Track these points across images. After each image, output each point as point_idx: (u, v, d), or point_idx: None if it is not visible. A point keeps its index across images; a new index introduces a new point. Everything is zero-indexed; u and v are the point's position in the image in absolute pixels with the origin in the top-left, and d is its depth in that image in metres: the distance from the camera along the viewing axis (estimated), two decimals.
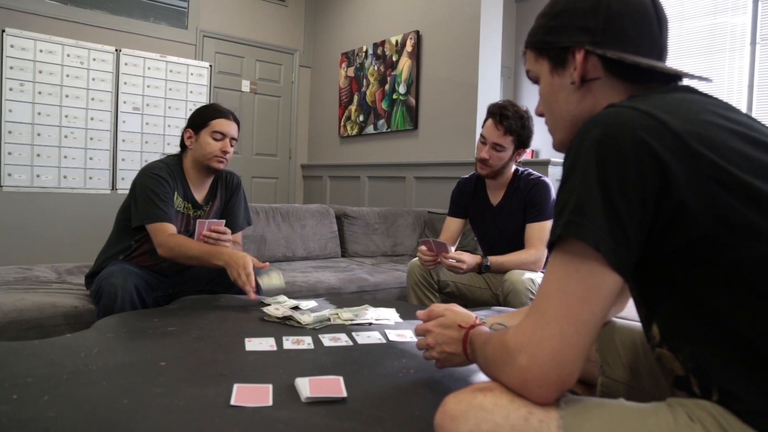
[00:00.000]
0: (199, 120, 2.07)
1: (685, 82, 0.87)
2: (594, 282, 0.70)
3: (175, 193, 2.03)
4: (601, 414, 0.73)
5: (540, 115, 0.96)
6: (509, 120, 2.14)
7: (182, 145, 2.12)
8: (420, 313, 1.13)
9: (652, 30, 0.85)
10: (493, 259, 2.16)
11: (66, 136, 3.72)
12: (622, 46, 0.83)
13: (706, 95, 0.82)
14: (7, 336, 1.81)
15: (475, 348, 0.94)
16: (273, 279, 1.79)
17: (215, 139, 2.04)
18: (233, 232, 2.19)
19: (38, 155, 3.62)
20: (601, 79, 0.85)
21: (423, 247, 2.17)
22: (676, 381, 0.79)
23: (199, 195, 2.14)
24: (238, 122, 2.13)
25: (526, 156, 5.42)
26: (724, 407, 0.70)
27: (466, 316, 1.04)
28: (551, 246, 0.75)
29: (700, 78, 0.86)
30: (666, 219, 0.70)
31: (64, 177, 3.73)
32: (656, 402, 0.75)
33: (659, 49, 0.86)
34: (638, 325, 1.13)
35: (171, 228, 1.93)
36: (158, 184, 1.96)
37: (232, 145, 2.09)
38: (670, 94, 0.80)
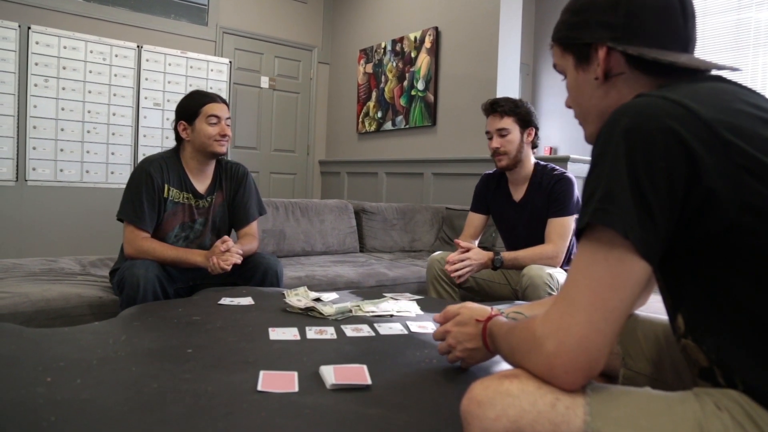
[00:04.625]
0: (191, 110, 2.08)
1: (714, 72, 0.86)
2: (622, 269, 0.70)
3: (167, 185, 2.05)
4: (628, 401, 0.73)
5: (569, 107, 0.97)
6: (501, 106, 2.24)
7: (178, 138, 2.13)
8: (436, 316, 1.15)
9: (676, 22, 0.84)
10: (507, 255, 2.16)
11: (89, 132, 3.77)
12: (644, 41, 0.82)
13: (736, 84, 0.81)
14: (35, 324, 1.84)
15: (496, 338, 0.94)
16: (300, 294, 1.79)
17: (211, 124, 2.06)
18: (247, 223, 2.22)
19: (61, 150, 3.68)
20: (625, 74, 0.85)
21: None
22: (701, 372, 0.79)
23: (201, 185, 2.15)
24: (227, 103, 2.16)
25: (544, 152, 5.40)
26: (750, 397, 0.70)
27: (482, 310, 1.05)
28: (579, 234, 0.76)
29: (729, 68, 0.85)
30: (695, 208, 0.70)
31: (87, 172, 3.78)
32: (683, 391, 0.75)
33: (684, 41, 0.85)
34: (661, 318, 1.13)
35: (145, 233, 1.99)
36: (145, 183, 2.00)
37: (228, 126, 2.11)
38: (700, 84, 0.80)
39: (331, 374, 1.04)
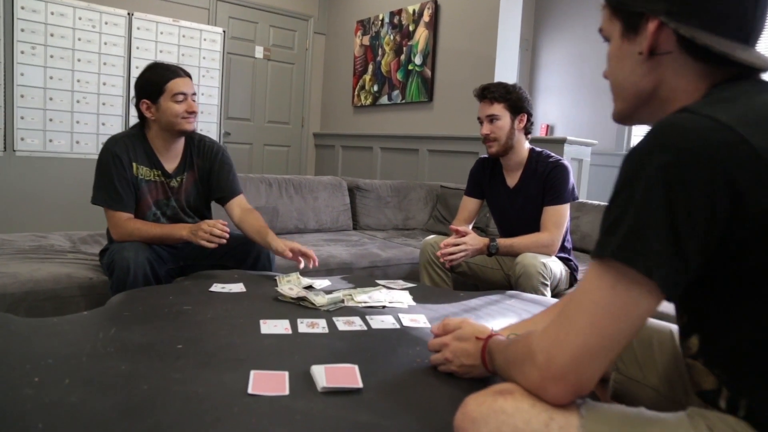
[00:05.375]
0: (154, 87, 1.96)
1: None
2: (630, 301, 0.69)
3: (135, 164, 1.98)
4: (622, 424, 0.73)
5: (606, 77, 0.88)
6: (492, 92, 2.22)
7: (141, 116, 2.02)
8: (434, 327, 1.14)
9: (744, 8, 0.74)
10: (502, 242, 2.15)
11: (78, 101, 3.70)
12: (701, 23, 0.73)
13: None
14: (24, 306, 1.83)
15: (494, 357, 0.93)
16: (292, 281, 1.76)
17: (178, 102, 1.95)
18: (233, 194, 2.12)
19: (50, 120, 3.61)
20: (672, 54, 0.76)
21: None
22: (701, 393, 0.78)
23: (169, 164, 2.07)
24: (190, 76, 2.04)
25: (540, 132, 5.35)
26: (748, 423, 0.70)
27: (482, 328, 1.04)
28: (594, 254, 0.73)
29: None
30: (737, 245, 0.67)
31: (77, 142, 3.72)
32: (677, 413, 0.75)
33: (747, 32, 0.75)
34: (655, 322, 1.12)
35: (126, 214, 1.95)
36: (114, 164, 1.93)
37: (194, 101, 2.00)
38: (760, 97, 0.72)
39: (322, 376, 1.03)
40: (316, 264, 1.85)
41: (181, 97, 1.95)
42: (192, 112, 1.98)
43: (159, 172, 2.04)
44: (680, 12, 0.74)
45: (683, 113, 0.70)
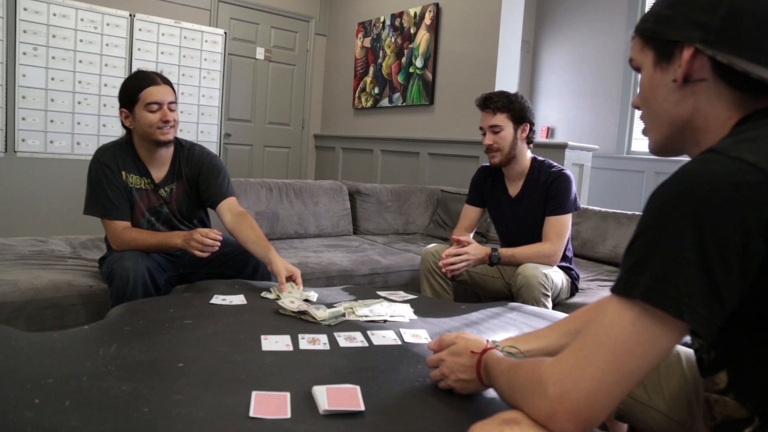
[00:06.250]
0: (129, 96, 1.93)
1: None
2: (650, 338, 0.68)
3: (123, 172, 1.97)
4: None
5: (636, 107, 0.88)
6: (494, 101, 2.20)
7: (126, 126, 2.00)
8: (431, 344, 1.14)
9: None
10: (504, 251, 2.15)
11: (79, 102, 3.70)
12: (738, 50, 0.73)
13: None
14: (24, 315, 1.83)
15: (493, 373, 0.93)
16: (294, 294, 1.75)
17: (152, 111, 1.91)
18: (223, 196, 2.05)
19: (51, 121, 3.61)
20: (707, 82, 0.77)
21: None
22: (721, 426, 0.77)
23: (157, 173, 2.04)
24: (170, 83, 1.98)
25: (541, 135, 5.35)
26: None
27: (477, 342, 1.04)
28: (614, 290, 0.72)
29: None
30: None
31: (78, 144, 3.72)
32: None
33: None
34: None
35: (123, 223, 1.94)
36: (104, 174, 1.93)
37: (172, 110, 1.95)
38: None
39: (324, 398, 1.03)
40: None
41: (155, 107, 1.91)
42: (167, 122, 1.93)
43: (148, 181, 2.03)
44: (717, 40, 0.74)
45: (710, 154, 0.70)
